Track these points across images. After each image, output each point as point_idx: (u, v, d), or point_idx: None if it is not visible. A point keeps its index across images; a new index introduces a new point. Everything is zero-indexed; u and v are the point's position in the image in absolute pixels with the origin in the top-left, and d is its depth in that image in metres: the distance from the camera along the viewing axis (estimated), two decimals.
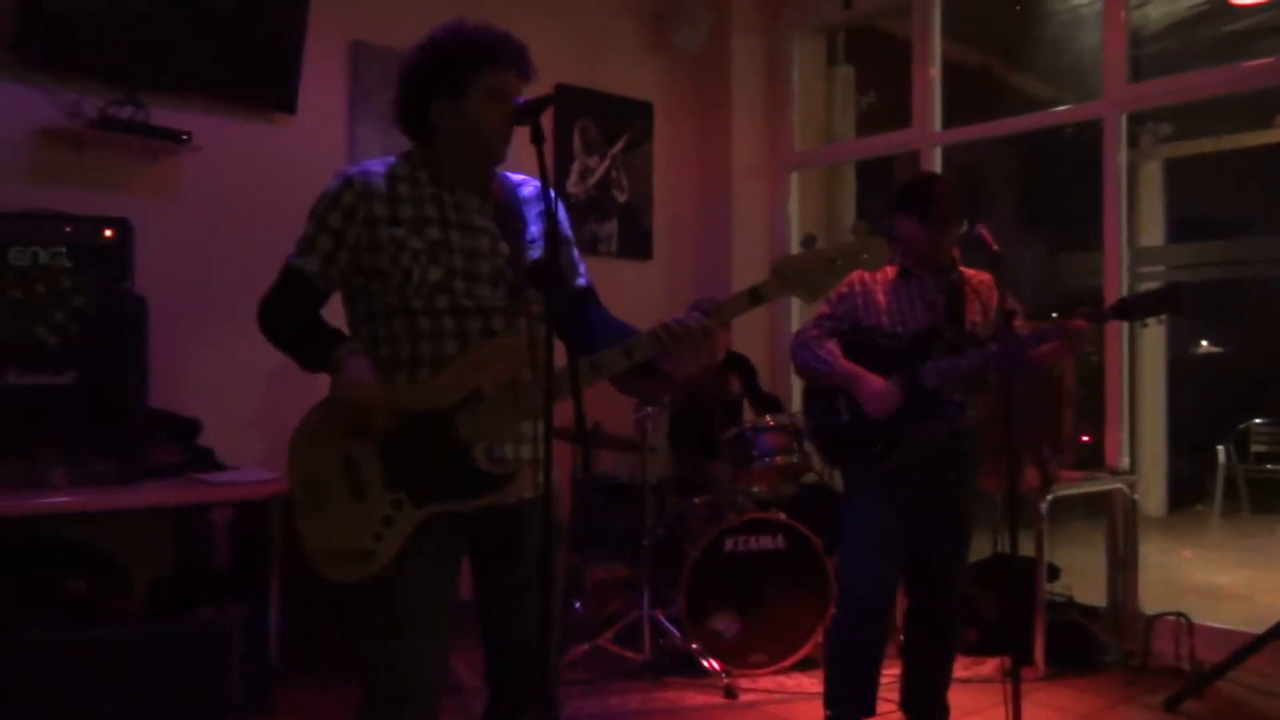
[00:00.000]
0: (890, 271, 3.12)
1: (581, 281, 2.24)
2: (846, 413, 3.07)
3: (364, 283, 2.02)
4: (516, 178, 2.17)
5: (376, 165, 2.06)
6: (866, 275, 3.13)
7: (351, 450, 1.97)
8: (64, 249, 3.30)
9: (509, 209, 2.11)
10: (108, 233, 3.45)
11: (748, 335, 5.44)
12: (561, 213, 2.18)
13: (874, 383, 2.97)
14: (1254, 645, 3.63)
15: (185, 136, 3.85)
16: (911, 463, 3.01)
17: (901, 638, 3.28)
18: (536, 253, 2.08)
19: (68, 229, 3.37)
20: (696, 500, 4.33)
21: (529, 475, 2.03)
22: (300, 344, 2.05)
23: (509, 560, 2.08)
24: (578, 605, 4.51)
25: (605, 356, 1.95)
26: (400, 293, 1.98)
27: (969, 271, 3.12)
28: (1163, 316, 2.86)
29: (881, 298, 3.08)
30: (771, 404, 4.81)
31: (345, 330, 2.08)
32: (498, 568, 2.10)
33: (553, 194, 2.13)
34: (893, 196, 3.16)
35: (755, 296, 1.97)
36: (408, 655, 1.97)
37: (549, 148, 1.86)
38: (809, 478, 4.69)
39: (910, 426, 2.98)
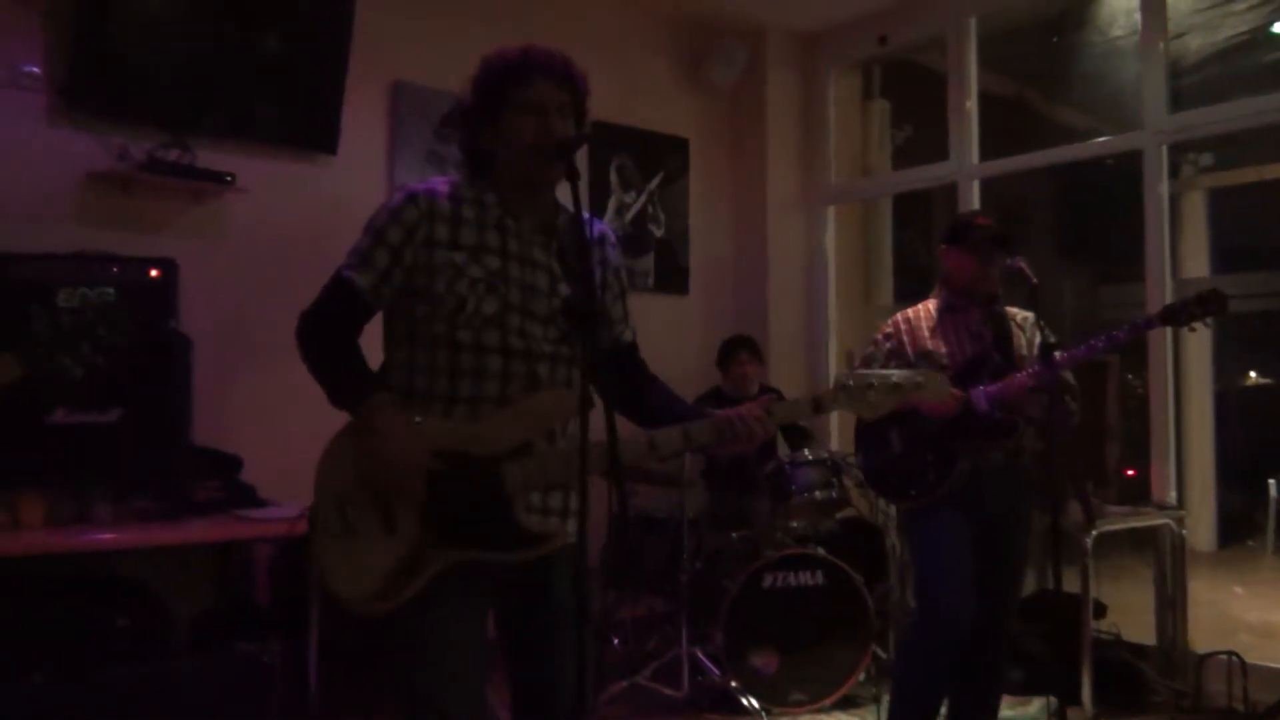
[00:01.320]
0: (933, 307, 3.13)
1: (629, 336, 2.21)
2: (899, 444, 3.07)
3: (411, 306, 1.95)
4: (584, 216, 2.12)
5: (441, 184, 2.01)
6: (910, 313, 3.16)
7: None
8: (111, 289, 3.36)
9: (576, 249, 2.03)
10: (154, 273, 3.51)
11: (786, 370, 5.43)
12: (618, 259, 2.16)
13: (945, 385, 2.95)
14: None
15: (229, 178, 3.92)
16: (970, 491, 2.99)
17: None
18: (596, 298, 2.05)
19: (115, 269, 3.43)
20: (734, 536, 4.30)
21: (560, 524, 2.00)
22: (331, 371, 1.96)
23: (537, 600, 2.03)
24: (616, 642, 4.48)
25: (663, 436, 1.97)
26: (450, 322, 1.92)
27: (1010, 310, 3.14)
28: (1208, 321, 2.83)
29: (926, 332, 3.09)
30: (802, 437, 4.79)
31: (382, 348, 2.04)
32: (525, 608, 2.05)
33: (613, 240, 2.14)
34: (940, 236, 3.20)
35: (817, 405, 2.06)
36: (449, 696, 1.93)
37: (588, 183, 1.86)
38: (848, 513, 4.65)
39: (962, 450, 2.97)
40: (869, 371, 2.06)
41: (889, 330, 3.15)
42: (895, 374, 2.06)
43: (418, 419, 1.93)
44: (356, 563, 1.91)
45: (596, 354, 1.89)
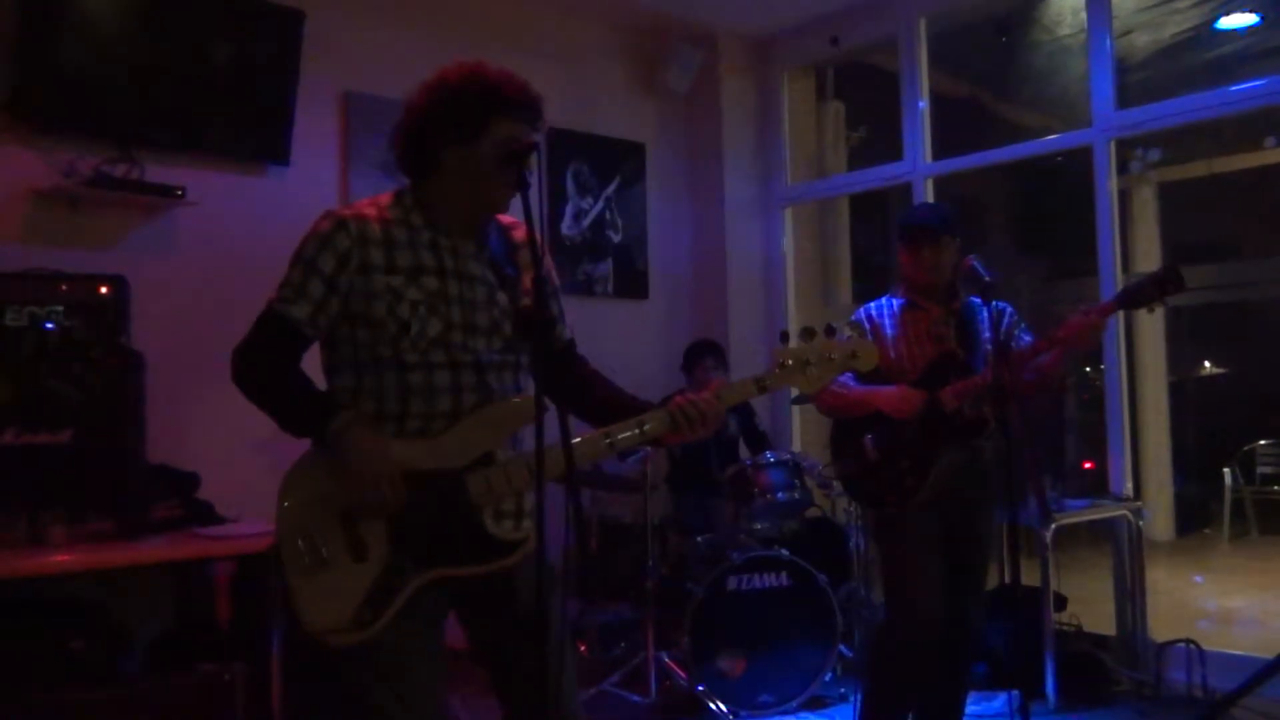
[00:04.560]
0: (896, 304, 3.14)
1: (568, 334, 2.22)
2: (874, 452, 3.07)
3: (350, 332, 1.94)
4: (506, 220, 2.12)
5: (366, 207, 1.98)
6: (874, 311, 3.16)
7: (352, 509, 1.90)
8: (60, 308, 3.31)
9: (503, 255, 2.07)
10: (103, 290, 3.46)
11: (747, 373, 5.43)
12: (547, 260, 2.17)
13: (893, 389, 2.99)
14: (1267, 671, 3.58)
15: (179, 192, 3.87)
16: (939, 491, 3.00)
17: None
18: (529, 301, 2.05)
19: (64, 287, 3.37)
20: (699, 540, 4.31)
21: (529, 522, 2.00)
22: (284, 402, 1.94)
23: (505, 604, 2.00)
24: (583, 649, 4.47)
25: (620, 432, 1.98)
26: (394, 345, 1.91)
27: (981, 303, 3.15)
28: (1166, 302, 2.84)
29: (889, 331, 3.10)
30: (764, 443, 4.81)
31: (322, 377, 2.01)
32: (494, 615, 2.03)
33: (540, 242, 2.15)
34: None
35: (761, 385, 2.10)
36: (409, 715, 1.92)
37: (544, 190, 1.86)
38: (811, 513, 4.67)
39: (937, 451, 2.97)
40: (804, 346, 2.11)
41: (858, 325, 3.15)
42: (829, 346, 2.11)
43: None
44: (329, 595, 1.87)
45: (549, 359, 1.88)
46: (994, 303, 2.90)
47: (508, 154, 1.94)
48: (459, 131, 1.95)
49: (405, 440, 1.92)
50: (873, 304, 3.22)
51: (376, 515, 1.88)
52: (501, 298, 2.02)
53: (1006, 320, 3.11)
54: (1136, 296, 2.87)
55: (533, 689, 1.99)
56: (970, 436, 3.01)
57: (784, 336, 2.15)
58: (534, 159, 1.97)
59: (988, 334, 3.08)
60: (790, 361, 2.09)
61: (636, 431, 1.98)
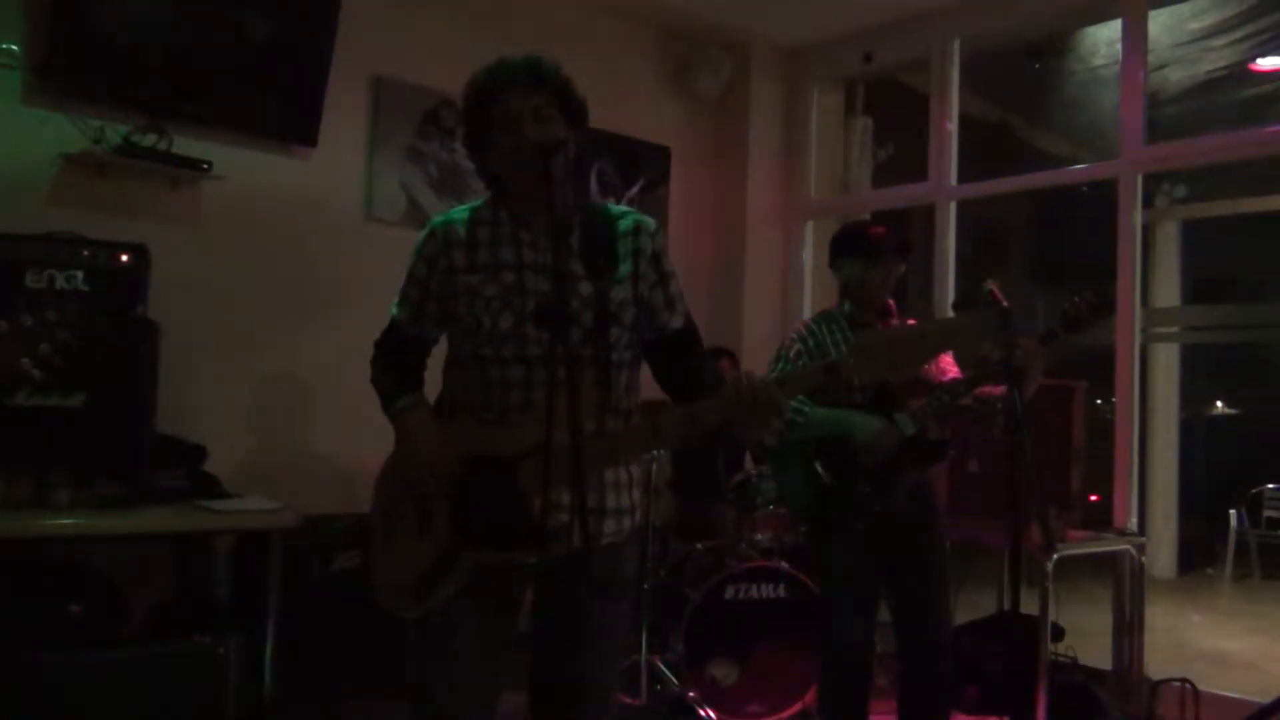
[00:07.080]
0: (838, 320, 3.13)
1: (678, 322, 2.16)
2: (828, 475, 3.03)
3: (451, 331, 2.10)
4: (616, 210, 2.15)
5: (463, 211, 2.09)
6: (810, 323, 3.15)
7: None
8: (80, 272, 3.33)
9: (598, 245, 2.05)
10: (124, 258, 3.48)
11: None
12: (655, 246, 2.14)
13: (874, 421, 2.94)
14: (1259, 716, 3.57)
15: (206, 166, 3.89)
16: (877, 521, 2.99)
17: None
18: (625, 291, 2.05)
19: (85, 253, 3.40)
20: (699, 546, 4.30)
21: (611, 522, 2.02)
22: (379, 388, 2.14)
23: (569, 604, 1.96)
24: None
25: (667, 421, 1.93)
26: (474, 341, 2.00)
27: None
28: (1098, 324, 2.90)
29: (832, 349, 3.05)
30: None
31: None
32: (559, 610, 2.01)
33: (650, 228, 2.15)
34: (829, 247, 3.17)
35: (831, 371, 1.83)
36: (449, 695, 1.97)
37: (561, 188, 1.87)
38: None
39: (901, 473, 2.95)
40: (889, 328, 1.88)
41: (797, 347, 3.11)
42: (926, 323, 1.82)
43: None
44: (397, 565, 2.03)
45: (571, 356, 1.85)
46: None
47: (531, 151, 1.93)
48: (476, 138, 2.06)
49: (470, 426, 2.01)
50: (812, 321, 3.18)
51: (426, 492, 1.99)
52: (585, 288, 1.99)
53: None
54: (1075, 322, 2.89)
55: (554, 688, 2.03)
56: (934, 459, 2.99)
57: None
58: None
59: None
60: (874, 346, 1.77)
61: (684, 421, 1.91)
